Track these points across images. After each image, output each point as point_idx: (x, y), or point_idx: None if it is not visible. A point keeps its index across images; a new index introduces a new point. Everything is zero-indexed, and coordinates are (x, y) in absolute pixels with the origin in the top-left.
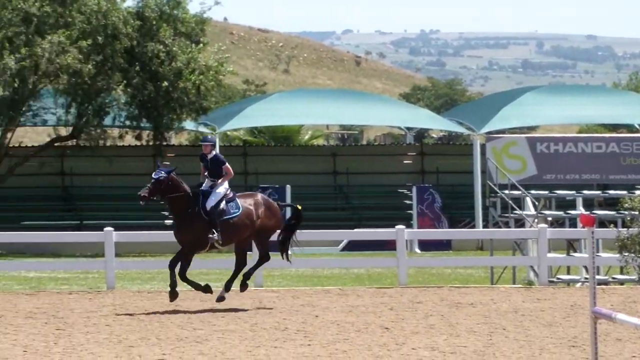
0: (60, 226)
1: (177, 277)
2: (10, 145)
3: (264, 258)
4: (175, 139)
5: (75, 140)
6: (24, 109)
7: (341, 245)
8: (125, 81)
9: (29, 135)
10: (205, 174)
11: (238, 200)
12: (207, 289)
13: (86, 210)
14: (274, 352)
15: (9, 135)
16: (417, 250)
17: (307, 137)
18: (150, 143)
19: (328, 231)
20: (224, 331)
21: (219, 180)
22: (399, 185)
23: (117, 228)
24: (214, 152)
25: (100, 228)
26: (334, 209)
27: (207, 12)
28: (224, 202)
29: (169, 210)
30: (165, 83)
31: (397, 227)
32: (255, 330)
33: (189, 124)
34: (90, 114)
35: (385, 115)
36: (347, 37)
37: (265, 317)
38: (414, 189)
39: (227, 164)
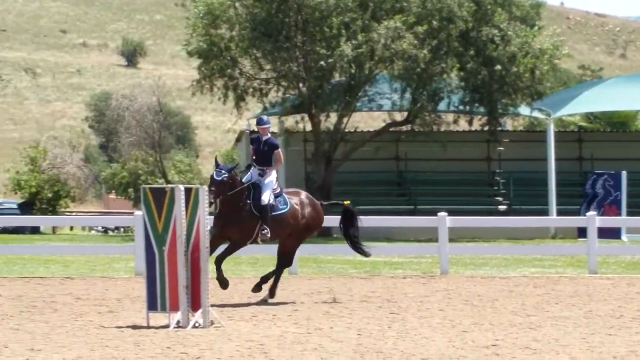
0: (395, 211)
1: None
2: (346, 130)
3: (285, 264)
4: (509, 125)
5: (409, 125)
6: (359, 94)
7: None
8: (459, 66)
9: (364, 120)
10: (254, 158)
11: (285, 196)
12: (223, 284)
13: (420, 195)
14: (608, 340)
15: (344, 120)
16: None
17: None
18: (485, 128)
19: None
20: (558, 318)
21: (269, 169)
22: None
23: (451, 213)
24: (269, 134)
25: (433, 213)
26: None
27: None
28: (272, 196)
29: (219, 205)
30: (499, 67)
31: None
32: (590, 317)
33: (523, 109)
34: (425, 99)
35: None
36: None
37: (599, 305)
38: None
39: (279, 149)
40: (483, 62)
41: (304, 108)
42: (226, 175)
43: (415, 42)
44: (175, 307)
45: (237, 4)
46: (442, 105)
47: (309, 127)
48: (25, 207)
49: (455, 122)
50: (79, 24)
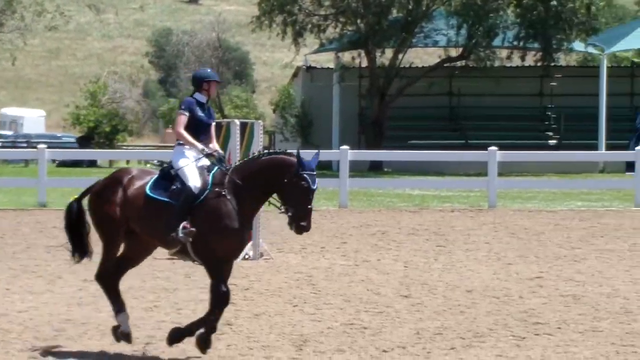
0: (446, 145)
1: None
2: (401, 66)
3: None
4: (563, 60)
5: (464, 61)
6: (416, 30)
7: None
8: (515, 2)
9: (419, 57)
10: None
11: None
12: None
13: (472, 130)
14: None
15: (400, 56)
16: None
17: None
18: (538, 64)
19: None
20: (602, 250)
21: (211, 146)
22: None
23: (502, 148)
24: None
25: (484, 147)
26: None
27: None
28: None
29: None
30: (555, 2)
31: None
32: (634, 250)
33: (577, 45)
34: (480, 35)
35: None
36: None
37: None
38: None
39: None
40: None
41: (361, 44)
42: None
43: None
44: None
45: None
46: (496, 41)
47: (364, 64)
48: (84, 141)
49: (509, 58)
50: None
